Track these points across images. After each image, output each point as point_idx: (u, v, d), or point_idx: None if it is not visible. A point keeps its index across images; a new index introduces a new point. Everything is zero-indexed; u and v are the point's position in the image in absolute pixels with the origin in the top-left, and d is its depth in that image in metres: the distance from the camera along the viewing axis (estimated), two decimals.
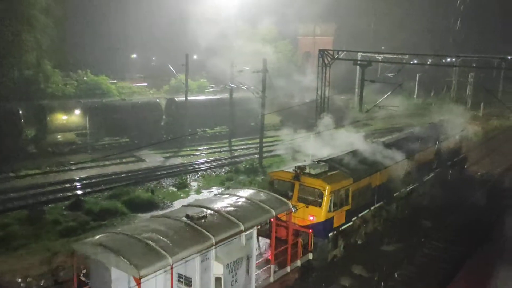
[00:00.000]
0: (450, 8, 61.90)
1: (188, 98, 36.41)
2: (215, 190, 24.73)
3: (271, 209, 12.41)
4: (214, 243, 10.39)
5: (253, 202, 12.59)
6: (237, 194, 13.16)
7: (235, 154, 33.54)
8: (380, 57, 33.65)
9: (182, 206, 13.21)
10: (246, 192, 13.41)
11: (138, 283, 8.78)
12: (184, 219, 10.97)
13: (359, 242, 17.02)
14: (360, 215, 16.78)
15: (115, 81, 51.48)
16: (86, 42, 55.21)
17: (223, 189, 24.75)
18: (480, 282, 13.19)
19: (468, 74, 44.01)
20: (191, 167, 29.28)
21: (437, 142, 23.13)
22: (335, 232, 15.42)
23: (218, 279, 10.77)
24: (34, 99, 38.65)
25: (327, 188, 14.79)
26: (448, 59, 31.58)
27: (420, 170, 21.14)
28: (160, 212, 21.06)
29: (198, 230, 10.50)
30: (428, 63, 38.53)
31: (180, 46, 54.59)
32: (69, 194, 23.37)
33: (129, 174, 27.10)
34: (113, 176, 26.54)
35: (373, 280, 14.95)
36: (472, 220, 19.91)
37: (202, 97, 41.34)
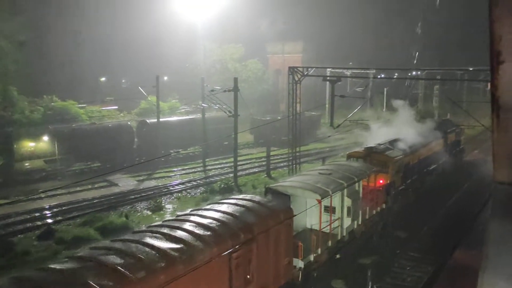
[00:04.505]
0: (413, 25, 64.31)
1: (160, 119, 36.12)
2: None
3: (366, 170, 18.47)
4: (345, 186, 16.11)
5: (353, 166, 18.78)
6: (339, 163, 20.42)
7: (210, 174, 33.30)
8: (348, 72, 34.37)
9: (310, 169, 20.17)
10: (345, 162, 20.60)
11: (319, 202, 14.54)
12: (320, 174, 16.76)
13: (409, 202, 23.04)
14: (408, 181, 22.82)
15: (84, 105, 50.62)
16: (52, 67, 54.31)
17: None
18: None
19: (434, 87, 45.49)
20: (166, 189, 28.85)
21: (446, 135, 28.87)
22: (396, 191, 21.23)
23: (349, 208, 16.47)
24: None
25: (391, 159, 20.83)
26: (414, 73, 32.55)
27: (438, 155, 27.35)
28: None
29: (333, 179, 16.24)
30: (395, 77, 39.64)
31: (150, 68, 54.44)
32: (39, 223, 22.55)
33: (102, 200, 26.43)
34: (85, 203, 25.84)
35: None
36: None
37: (174, 118, 41.09)
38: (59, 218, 23.34)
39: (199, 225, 10.58)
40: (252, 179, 30.75)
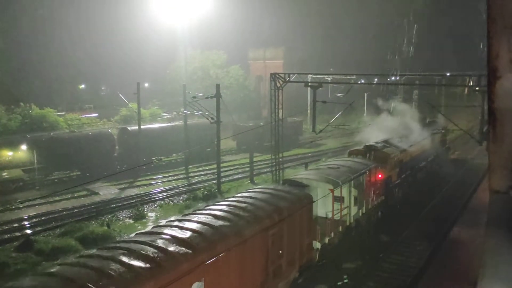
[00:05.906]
0: (390, 32, 65.51)
1: (142, 126, 35.75)
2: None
3: (368, 165, 20.24)
4: (352, 178, 18.01)
5: (356, 161, 20.75)
6: (343, 159, 22.04)
7: (193, 181, 33.06)
8: (329, 78, 34.67)
9: (320, 164, 22.58)
10: (348, 158, 22.16)
11: (332, 191, 16.46)
12: (329, 168, 18.94)
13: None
14: (402, 176, 24.55)
15: (63, 113, 49.81)
16: (30, 74, 53.34)
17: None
18: None
19: (413, 92, 46.28)
20: (148, 197, 28.52)
21: (433, 135, 30.47)
22: (393, 185, 23.09)
23: (355, 198, 18.39)
24: None
25: (388, 156, 22.38)
26: (393, 78, 33.08)
27: (428, 153, 29.20)
28: None
29: (342, 172, 18.18)
30: (374, 82, 40.18)
31: (130, 75, 53.96)
32: (18, 234, 22.00)
33: (82, 209, 25.95)
34: (64, 212, 25.31)
35: None
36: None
37: (155, 125, 40.74)
38: (38, 228, 22.81)
39: (239, 208, 12.53)
40: (236, 186, 30.68)
